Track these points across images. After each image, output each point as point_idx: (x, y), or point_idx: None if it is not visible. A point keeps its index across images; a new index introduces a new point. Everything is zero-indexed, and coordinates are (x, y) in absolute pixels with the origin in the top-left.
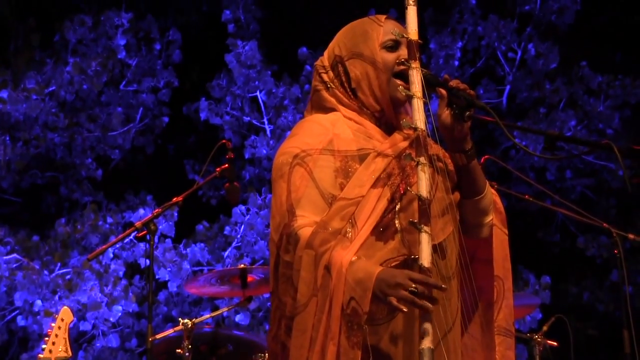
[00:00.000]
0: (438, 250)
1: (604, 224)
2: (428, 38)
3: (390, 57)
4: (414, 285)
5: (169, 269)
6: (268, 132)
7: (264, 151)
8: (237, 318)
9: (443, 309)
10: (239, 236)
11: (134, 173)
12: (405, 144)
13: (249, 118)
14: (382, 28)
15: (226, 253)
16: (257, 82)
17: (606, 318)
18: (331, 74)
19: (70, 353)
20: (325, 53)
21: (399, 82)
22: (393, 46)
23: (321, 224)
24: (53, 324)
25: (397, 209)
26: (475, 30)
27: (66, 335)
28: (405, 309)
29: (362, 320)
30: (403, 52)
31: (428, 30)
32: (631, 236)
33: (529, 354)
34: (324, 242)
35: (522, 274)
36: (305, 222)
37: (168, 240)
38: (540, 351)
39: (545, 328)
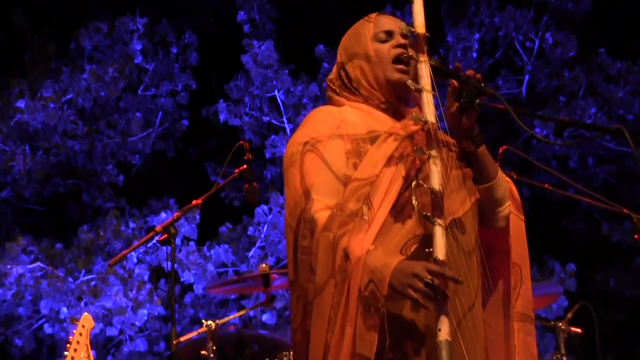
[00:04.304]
0: (457, 225)
1: (624, 210)
2: (445, 31)
3: (383, 47)
4: (430, 277)
5: (194, 272)
6: (288, 131)
7: (284, 150)
8: (264, 318)
9: (466, 284)
10: (262, 236)
11: (155, 178)
12: (416, 126)
13: (268, 118)
14: (371, 23)
15: (250, 253)
16: (274, 82)
17: (633, 303)
18: (338, 82)
19: (91, 359)
20: (334, 67)
21: (399, 67)
22: (385, 37)
23: (338, 207)
24: (74, 331)
25: (413, 185)
26: (492, 22)
27: (87, 342)
28: (422, 301)
29: (380, 303)
30: (396, 39)
31: (445, 23)
32: None
33: (556, 342)
34: (342, 225)
35: (548, 263)
36: (322, 205)
37: (191, 243)
38: (565, 338)
39: (569, 315)
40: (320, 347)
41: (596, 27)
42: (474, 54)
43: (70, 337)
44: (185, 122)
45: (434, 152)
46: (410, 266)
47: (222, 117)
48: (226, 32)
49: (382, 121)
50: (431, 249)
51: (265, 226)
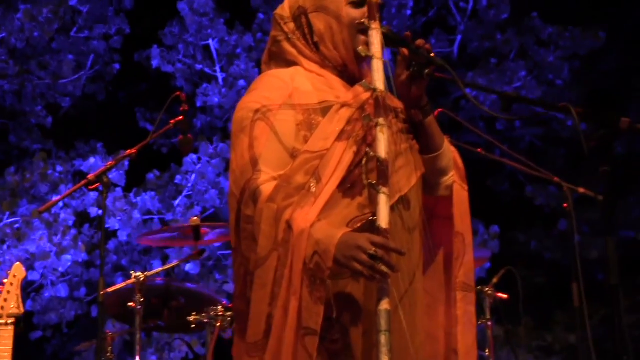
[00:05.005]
0: (403, 201)
1: (555, 178)
2: None
3: (355, 13)
4: (374, 249)
5: (119, 218)
6: (220, 81)
7: (216, 99)
8: (187, 267)
9: (406, 260)
10: (189, 185)
11: (84, 121)
12: (367, 95)
13: (201, 66)
14: None
15: (177, 202)
16: (209, 30)
17: (554, 267)
18: (292, 25)
19: (22, 309)
20: (286, 2)
21: (363, 37)
22: (359, 2)
23: (284, 178)
24: (5, 280)
25: (364, 162)
26: None
27: (18, 292)
28: (366, 273)
29: (325, 275)
30: (366, 8)
31: None
32: (581, 190)
33: (480, 307)
34: (287, 197)
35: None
36: (268, 177)
37: (118, 189)
38: (491, 304)
39: (495, 280)
40: (262, 319)
41: None
42: (408, 12)
43: (0, 287)
44: (117, 66)
45: (381, 120)
46: (353, 238)
47: (154, 63)
48: None
49: (335, 88)
50: (374, 217)
51: (193, 175)
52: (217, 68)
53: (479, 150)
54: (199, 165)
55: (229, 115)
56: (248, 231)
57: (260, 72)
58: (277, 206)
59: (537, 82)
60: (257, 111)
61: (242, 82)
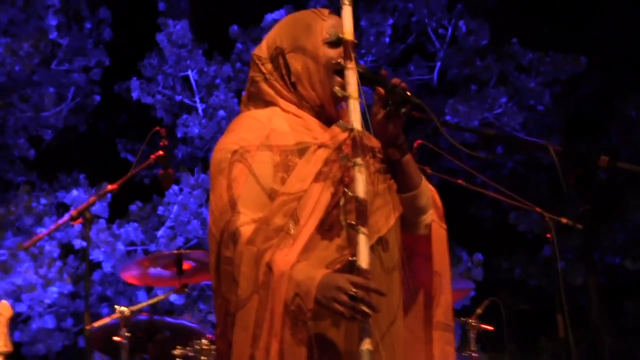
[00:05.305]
0: (382, 242)
1: (537, 208)
2: (359, 15)
3: (332, 53)
4: (354, 290)
5: (103, 250)
6: (200, 111)
7: (196, 130)
8: (172, 297)
9: (386, 301)
10: (172, 216)
11: (66, 152)
12: (344, 135)
13: (180, 97)
14: (325, 22)
15: (160, 233)
16: (188, 62)
17: (538, 293)
18: (270, 65)
19: (10, 347)
20: (264, 43)
21: (339, 79)
22: (335, 43)
23: (263, 221)
24: None
25: (342, 203)
26: (405, 7)
27: (5, 330)
28: (347, 314)
29: (307, 317)
30: (342, 48)
31: (359, 7)
32: (564, 220)
33: (462, 337)
34: (267, 239)
35: (455, 251)
36: (247, 219)
37: (102, 221)
38: (475, 335)
39: (479, 311)
40: None
41: (509, 17)
42: (387, 39)
43: None
44: (97, 98)
45: (359, 160)
46: (334, 279)
47: (134, 94)
48: (140, 8)
49: (312, 129)
50: (354, 258)
51: (176, 206)
52: (197, 99)
53: (459, 181)
54: (181, 197)
55: (209, 146)
56: (228, 272)
57: (239, 103)
58: (256, 248)
59: (519, 108)
60: (234, 152)
61: (221, 113)
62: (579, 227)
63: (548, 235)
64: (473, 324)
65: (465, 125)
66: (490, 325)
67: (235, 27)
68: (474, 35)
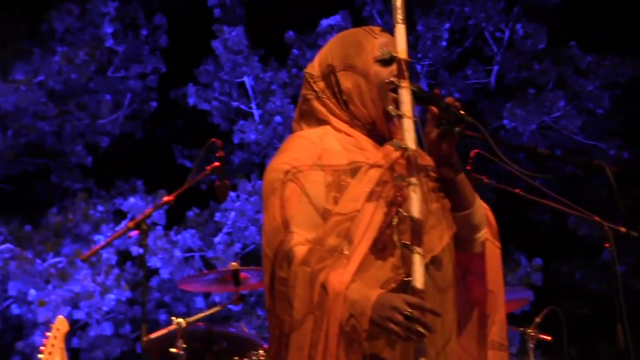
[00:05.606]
0: (436, 261)
1: (595, 217)
2: (415, 20)
3: (384, 71)
4: (409, 310)
5: (161, 257)
6: (256, 117)
7: (253, 136)
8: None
9: (440, 321)
10: (229, 222)
11: (123, 159)
12: (396, 154)
13: (237, 103)
14: (376, 40)
15: (217, 239)
16: (244, 68)
17: (598, 297)
18: (322, 84)
19: None
20: (316, 60)
21: (392, 95)
22: (387, 60)
23: (317, 241)
24: (49, 334)
25: (395, 222)
26: (462, 11)
27: (62, 345)
28: (402, 334)
29: (362, 337)
30: (394, 66)
31: (415, 12)
32: (623, 229)
33: (520, 346)
34: (321, 259)
35: (514, 255)
36: (301, 239)
37: (159, 228)
38: (534, 345)
39: (538, 320)
40: None
41: (567, 20)
42: (444, 43)
43: (45, 340)
44: (154, 104)
45: (413, 180)
46: (389, 299)
47: (191, 101)
48: (196, 14)
49: (364, 148)
50: (410, 278)
51: (233, 212)
52: (253, 105)
53: (517, 190)
54: (238, 203)
55: (266, 152)
56: (282, 293)
57: (295, 109)
58: (311, 269)
59: (577, 112)
60: (287, 172)
61: (278, 118)
62: (634, 234)
63: (607, 245)
64: (532, 334)
65: (523, 130)
66: (549, 333)
67: (290, 33)
68: (531, 38)
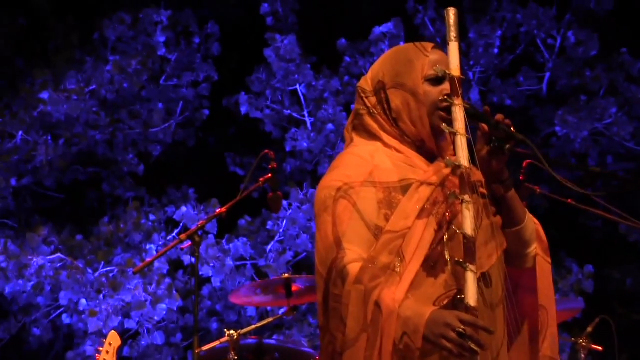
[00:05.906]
0: (486, 278)
1: None
2: (467, 27)
3: (433, 90)
4: (462, 327)
5: (212, 265)
6: (309, 125)
7: (305, 144)
8: (281, 311)
9: (491, 337)
10: (281, 230)
11: (175, 167)
12: (447, 171)
13: (289, 111)
14: (427, 59)
15: (269, 247)
16: (296, 76)
17: None
18: (374, 99)
19: None
20: (369, 75)
21: (441, 113)
22: (437, 79)
23: (369, 259)
24: (101, 348)
25: (445, 239)
26: (514, 18)
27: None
28: (455, 351)
29: (415, 355)
30: (447, 86)
31: (467, 19)
32: None
33: (571, 355)
34: (374, 277)
35: (565, 262)
36: (354, 256)
37: (210, 237)
38: (585, 356)
39: (589, 330)
40: None
41: (618, 27)
42: (495, 50)
43: (97, 355)
44: (206, 112)
45: (467, 197)
46: (442, 316)
47: (243, 109)
48: (248, 23)
49: (415, 165)
50: (463, 296)
51: (285, 221)
52: (305, 112)
53: (569, 201)
54: (290, 211)
55: (318, 159)
56: (337, 310)
57: (348, 117)
58: (364, 287)
59: (629, 118)
60: (339, 189)
61: (330, 126)
62: None
63: None
64: (583, 344)
65: (575, 137)
66: (600, 341)
67: (343, 41)
68: (583, 45)
